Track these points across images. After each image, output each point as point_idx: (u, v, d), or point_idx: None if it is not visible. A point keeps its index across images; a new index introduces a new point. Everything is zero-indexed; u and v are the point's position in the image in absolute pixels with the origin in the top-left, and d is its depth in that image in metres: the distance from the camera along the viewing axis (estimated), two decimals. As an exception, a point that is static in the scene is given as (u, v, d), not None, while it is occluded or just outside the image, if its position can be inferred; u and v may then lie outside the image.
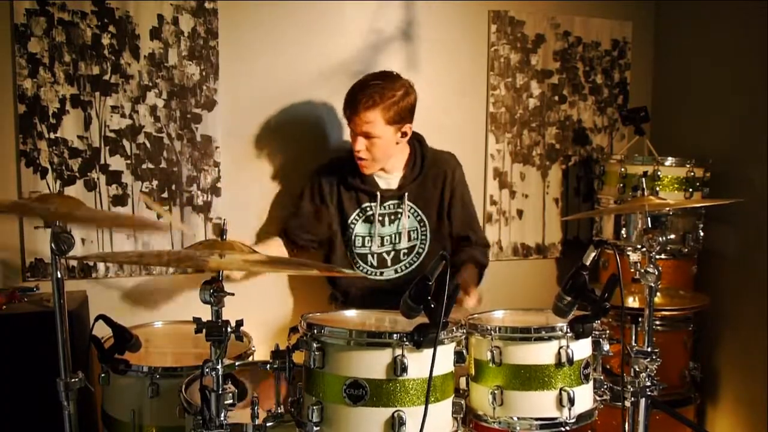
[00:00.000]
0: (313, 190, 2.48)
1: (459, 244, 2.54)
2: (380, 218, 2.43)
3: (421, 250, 2.48)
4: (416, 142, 2.50)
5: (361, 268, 2.46)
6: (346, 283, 2.49)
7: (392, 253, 2.47)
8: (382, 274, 2.48)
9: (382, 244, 2.44)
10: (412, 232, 2.46)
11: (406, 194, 2.43)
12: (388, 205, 2.45)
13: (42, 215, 1.49)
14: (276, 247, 2.49)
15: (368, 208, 2.44)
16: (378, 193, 2.42)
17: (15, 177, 2.39)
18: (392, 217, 2.45)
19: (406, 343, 1.43)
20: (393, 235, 2.46)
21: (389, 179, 2.46)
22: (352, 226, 2.45)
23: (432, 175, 2.48)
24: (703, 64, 3.01)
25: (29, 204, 1.52)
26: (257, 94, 2.65)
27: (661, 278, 1.92)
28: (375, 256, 2.45)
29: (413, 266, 2.48)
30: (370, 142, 2.30)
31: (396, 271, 2.48)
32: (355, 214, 2.44)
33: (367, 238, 2.45)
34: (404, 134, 2.36)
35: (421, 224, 2.47)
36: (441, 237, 2.50)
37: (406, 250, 2.47)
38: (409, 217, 2.45)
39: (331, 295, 2.59)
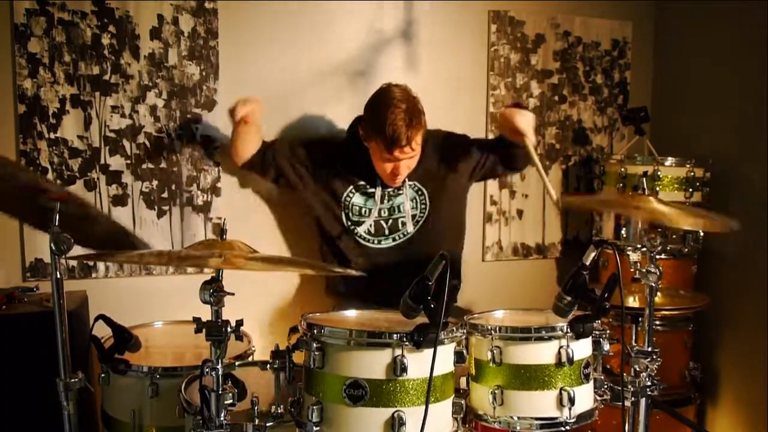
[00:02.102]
0: (314, 160, 2.49)
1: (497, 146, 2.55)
2: (380, 197, 2.45)
3: (420, 218, 2.48)
4: None
5: (357, 234, 2.46)
6: (346, 254, 2.49)
7: (390, 221, 2.47)
8: (379, 242, 2.47)
9: (379, 215, 2.46)
10: (411, 201, 2.48)
11: (406, 179, 2.45)
12: (389, 191, 2.47)
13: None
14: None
15: (365, 186, 2.45)
16: (378, 179, 2.43)
17: (15, 177, 2.39)
18: (391, 193, 2.47)
19: (406, 343, 1.43)
20: (393, 207, 2.47)
21: None
22: (348, 198, 2.46)
23: (428, 151, 2.48)
24: (703, 64, 3.01)
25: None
26: (257, 94, 2.65)
27: (662, 278, 1.92)
28: (372, 224, 2.46)
29: (410, 234, 2.48)
30: (411, 159, 2.34)
31: (394, 239, 2.47)
32: (348, 190, 2.46)
33: (364, 209, 2.46)
34: None
35: (420, 193, 2.48)
36: (442, 199, 2.50)
37: (404, 219, 2.47)
38: (408, 192, 2.47)
39: (329, 284, 2.59)
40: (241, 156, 2.49)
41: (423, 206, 2.49)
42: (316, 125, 2.73)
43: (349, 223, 2.47)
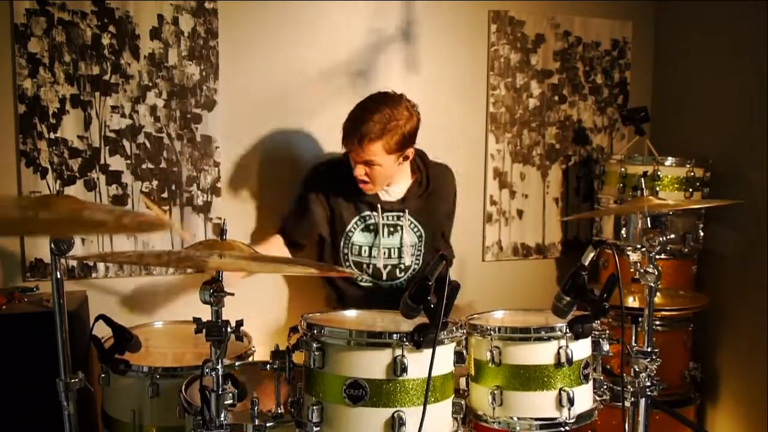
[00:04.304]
0: (313, 188, 2.43)
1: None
2: (382, 228, 2.39)
3: (415, 267, 2.45)
4: (418, 158, 2.43)
5: (357, 277, 2.42)
6: (344, 286, 2.46)
7: (389, 267, 2.42)
8: (377, 283, 2.44)
9: (378, 255, 2.39)
10: (412, 248, 2.42)
11: (407, 210, 2.39)
12: (389, 216, 2.40)
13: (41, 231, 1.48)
14: (277, 247, 2.45)
15: (368, 217, 2.39)
16: (379, 205, 2.37)
17: (15, 177, 2.39)
18: (391, 229, 2.40)
19: (406, 343, 1.43)
20: (393, 249, 2.41)
21: (390, 190, 2.40)
22: (351, 234, 2.40)
23: (437, 192, 2.44)
24: (703, 64, 3.01)
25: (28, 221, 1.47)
26: (257, 95, 2.65)
27: (661, 278, 1.92)
28: (371, 267, 2.41)
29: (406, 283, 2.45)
30: (370, 168, 2.25)
31: (392, 287, 2.44)
32: (353, 221, 2.40)
33: (364, 248, 2.40)
34: (406, 158, 2.30)
35: (420, 239, 2.43)
36: (434, 253, 2.45)
37: (402, 267, 2.43)
38: (408, 232, 2.41)
39: (328, 297, 2.58)
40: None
41: (419, 252, 2.43)
42: (316, 125, 2.73)
43: (349, 265, 2.41)
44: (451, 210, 2.57)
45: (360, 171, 2.26)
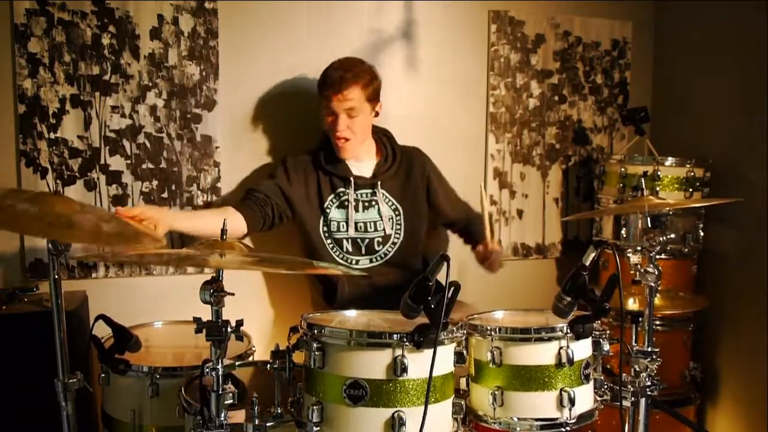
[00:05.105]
0: (288, 171, 2.44)
1: (461, 225, 2.69)
2: (354, 203, 2.43)
3: (396, 240, 2.48)
4: (384, 136, 2.55)
5: (336, 252, 2.45)
6: (338, 282, 2.46)
7: (366, 241, 2.45)
8: (357, 262, 2.46)
9: (356, 230, 2.44)
10: (390, 220, 2.47)
11: (380, 183, 2.46)
12: (362, 193, 2.45)
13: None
14: (229, 214, 2.32)
15: (342, 194, 2.44)
16: (351, 179, 2.43)
17: (15, 177, 2.39)
18: (366, 204, 2.45)
19: (407, 343, 1.43)
20: (368, 223, 2.45)
21: (360, 167, 2.47)
22: (328, 210, 2.44)
23: (406, 166, 2.52)
24: (703, 64, 3.01)
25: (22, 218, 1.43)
26: (257, 94, 2.65)
27: (661, 278, 1.92)
28: (350, 241, 2.44)
29: (388, 256, 2.47)
30: (351, 120, 2.37)
31: (371, 261, 2.46)
32: (329, 198, 2.45)
33: (342, 223, 2.44)
34: (377, 113, 2.47)
35: (396, 213, 2.48)
36: (416, 227, 2.49)
37: (380, 239, 2.46)
38: (384, 205, 2.46)
39: (313, 295, 2.58)
40: (235, 231, 2.32)
41: (398, 226, 2.47)
42: (316, 125, 2.73)
43: (330, 242, 2.44)
44: (427, 182, 2.54)
45: (343, 124, 2.37)
